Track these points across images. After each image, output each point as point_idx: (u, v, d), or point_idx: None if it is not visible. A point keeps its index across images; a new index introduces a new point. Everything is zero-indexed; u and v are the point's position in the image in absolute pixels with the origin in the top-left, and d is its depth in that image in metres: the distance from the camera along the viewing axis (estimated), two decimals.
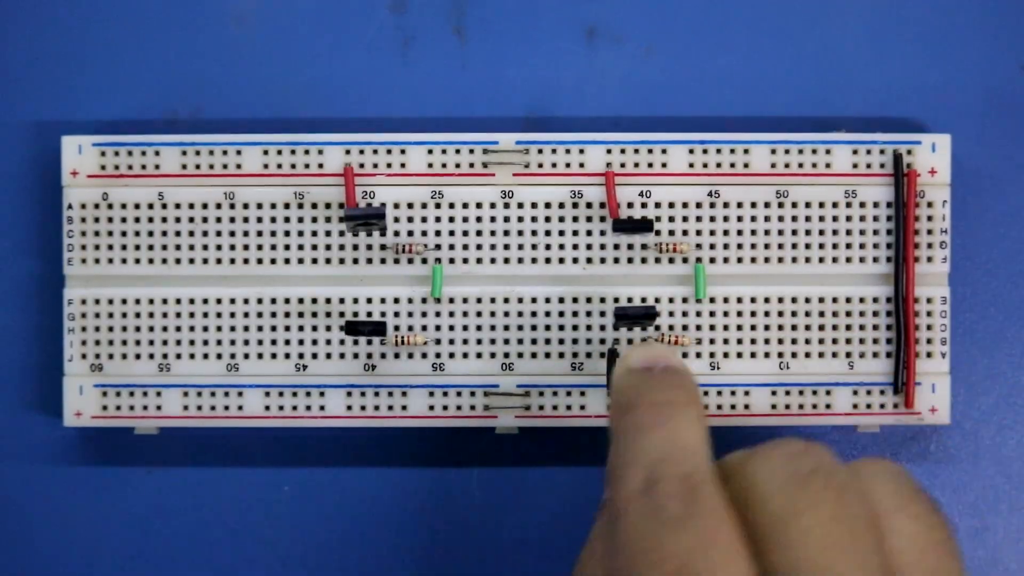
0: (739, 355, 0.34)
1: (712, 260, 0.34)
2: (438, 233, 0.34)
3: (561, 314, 0.34)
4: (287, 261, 0.34)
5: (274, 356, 0.34)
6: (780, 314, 0.34)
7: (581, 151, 0.34)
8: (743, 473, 0.25)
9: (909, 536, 0.25)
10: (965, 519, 0.36)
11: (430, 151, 0.34)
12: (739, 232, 0.34)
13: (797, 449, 0.25)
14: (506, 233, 0.34)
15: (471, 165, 0.34)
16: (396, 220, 0.34)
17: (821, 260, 0.34)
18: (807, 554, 0.23)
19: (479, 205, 0.34)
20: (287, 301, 0.34)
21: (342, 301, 0.34)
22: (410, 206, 0.34)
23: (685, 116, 0.36)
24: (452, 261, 0.34)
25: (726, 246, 0.34)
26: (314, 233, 0.34)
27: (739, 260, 0.34)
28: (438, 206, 0.34)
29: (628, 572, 0.24)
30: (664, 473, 0.25)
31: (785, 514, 0.24)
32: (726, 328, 0.34)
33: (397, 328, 0.34)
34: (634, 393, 0.28)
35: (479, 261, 0.34)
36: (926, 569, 0.25)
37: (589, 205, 0.34)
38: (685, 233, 0.34)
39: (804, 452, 0.25)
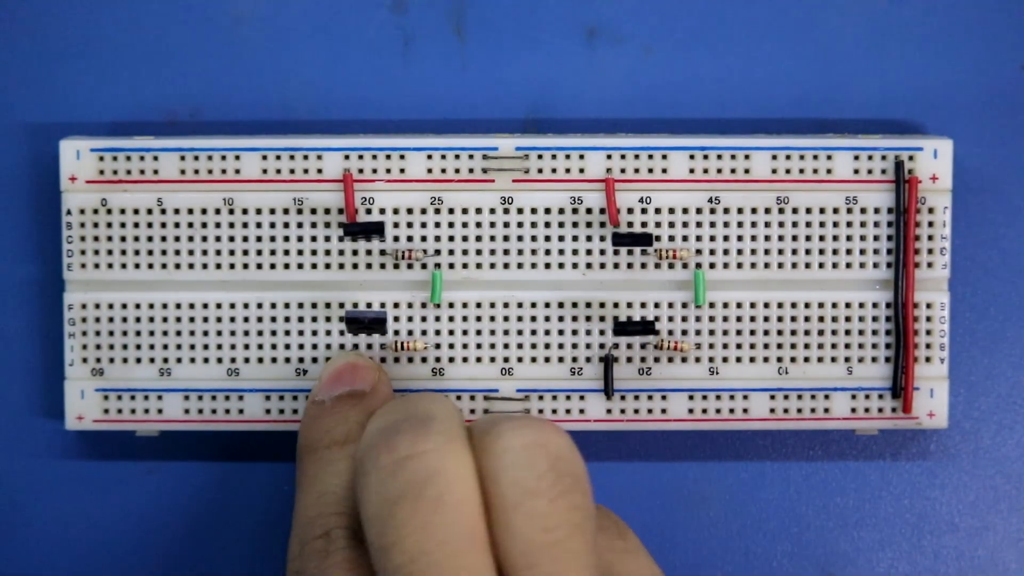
0: (738, 360, 0.34)
1: (712, 266, 0.34)
2: (438, 239, 0.34)
3: (561, 319, 0.34)
4: (287, 266, 0.34)
5: (274, 360, 0.34)
6: (780, 319, 0.34)
7: (581, 157, 0.34)
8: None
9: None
10: (965, 519, 0.36)
11: (429, 156, 0.34)
12: (739, 238, 0.34)
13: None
14: (506, 239, 0.34)
15: (471, 171, 0.34)
16: (396, 226, 0.34)
17: (821, 266, 0.34)
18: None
19: (479, 211, 0.34)
20: (287, 306, 0.34)
21: (342, 306, 0.34)
22: (409, 212, 0.34)
23: (685, 118, 0.36)
24: (452, 267, 0.34)
25: (726, 252, 0.34)
26: (314, 238, 0.34)
27: (739, 266, 0.34)
28: (438, 212, 0.34)
29: None
30: (309, 536, 0.29)
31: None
32: (725, 333, 0.34)
33: (397, 333, 0.34)
34: (304, 437, 0.31)
35: (479, 267, 0.34)
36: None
37: (589, 211, 0.34)
38: (685, 239, 0.34)
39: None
